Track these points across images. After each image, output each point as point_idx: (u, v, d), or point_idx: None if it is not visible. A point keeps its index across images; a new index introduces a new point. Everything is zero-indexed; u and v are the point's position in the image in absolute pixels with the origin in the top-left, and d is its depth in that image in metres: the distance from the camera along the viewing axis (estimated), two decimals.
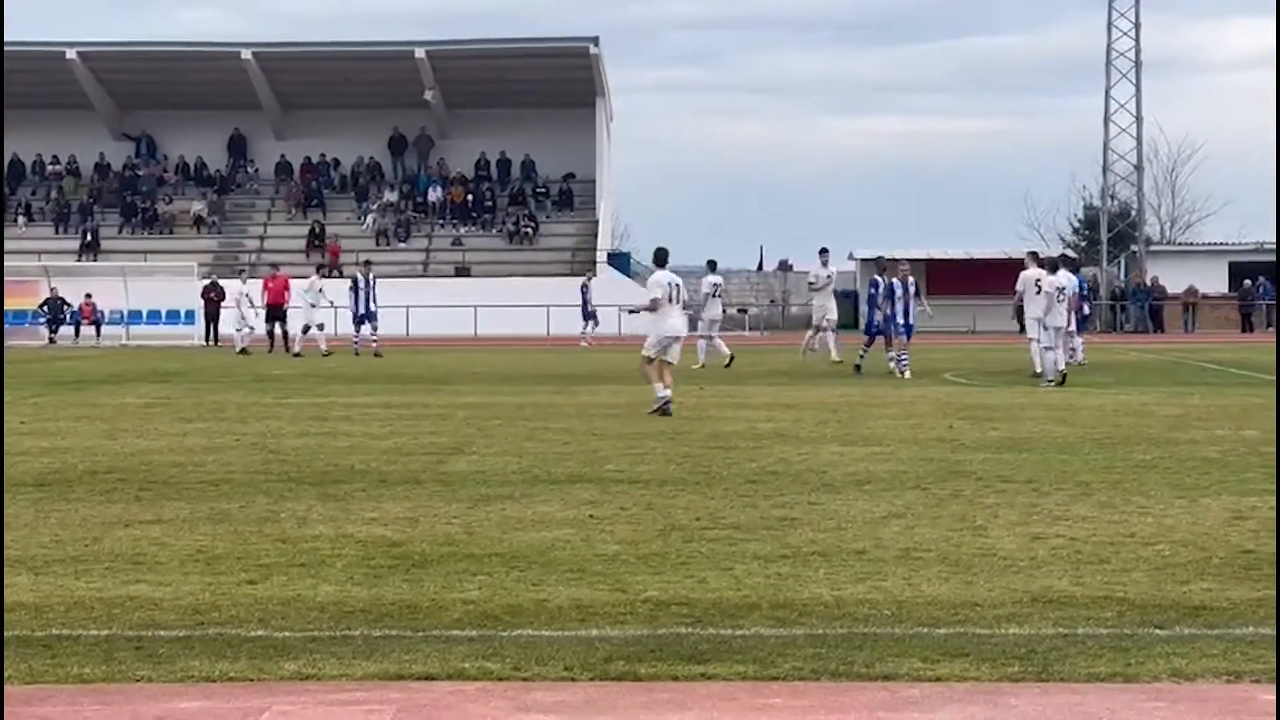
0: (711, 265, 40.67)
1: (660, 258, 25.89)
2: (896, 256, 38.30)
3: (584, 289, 58.90)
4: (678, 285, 24.64)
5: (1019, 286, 33.23)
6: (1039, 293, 32.09)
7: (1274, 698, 7.74)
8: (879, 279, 35.47)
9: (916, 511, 13.56)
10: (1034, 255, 34.91)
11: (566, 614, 9.59)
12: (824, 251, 41.24)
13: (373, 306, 46.04)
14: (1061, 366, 30.96)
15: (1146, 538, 12.20)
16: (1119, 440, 19.59)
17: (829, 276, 40.19)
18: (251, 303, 51.31)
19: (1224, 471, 16.33)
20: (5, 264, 61.47)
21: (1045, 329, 31.35)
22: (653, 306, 24.46)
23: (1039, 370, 31.73)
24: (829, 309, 39.86)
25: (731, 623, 9.32)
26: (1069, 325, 32.64)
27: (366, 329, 45.90)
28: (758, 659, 8.46)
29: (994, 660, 8.42)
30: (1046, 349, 31.10)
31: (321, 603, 9.93)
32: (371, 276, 47.13)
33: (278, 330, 49.44)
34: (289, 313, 49.27)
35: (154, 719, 7.51)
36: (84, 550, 11.82)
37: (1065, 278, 32.49)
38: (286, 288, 50.12)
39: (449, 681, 8.11)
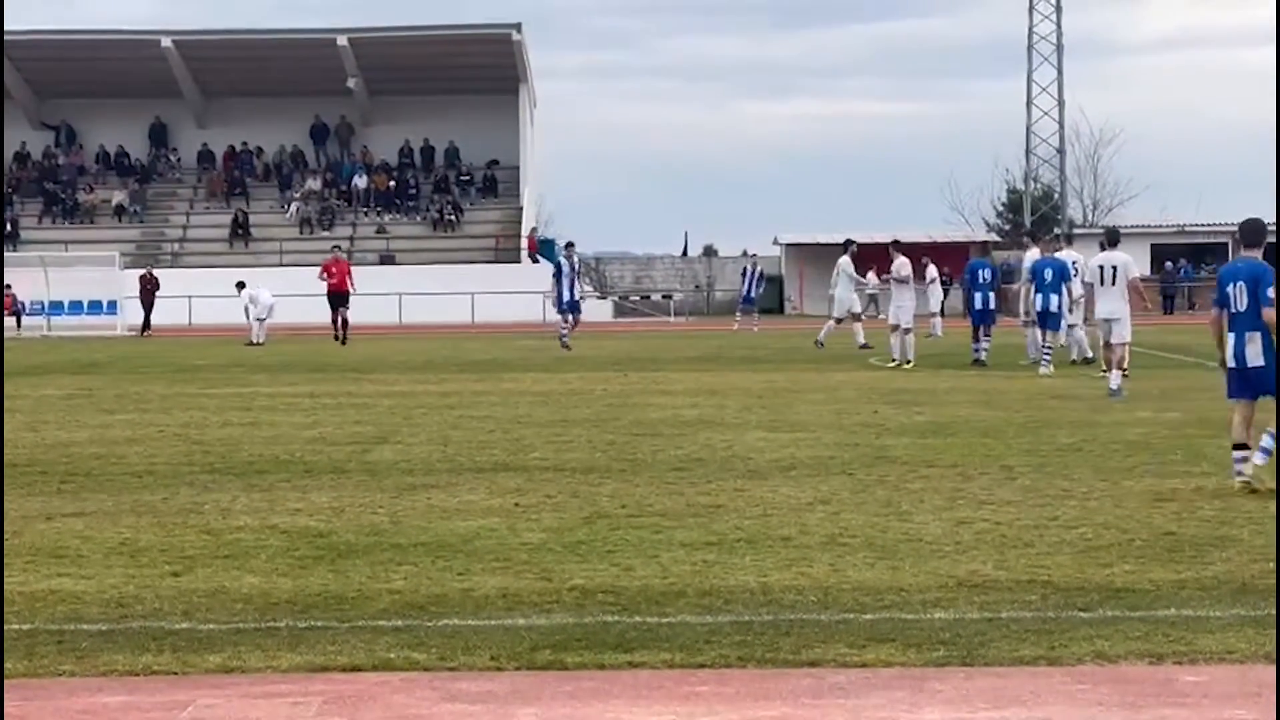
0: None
1: (1112, 238, 25.14)
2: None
3: (750, 271, 59.69)
4: (1115, 268, 23.97)
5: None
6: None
7: (1196, 679, 7.81)
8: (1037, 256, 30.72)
9: (842, 497, 13.60)
10: (1031, 235, 33.40)
11: (492, 603, 9.57)
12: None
13: (577, 294, 41.95)
14: (1087, 352, 29.26)
15: (1070, 521, 12.27)
16: (1043, 423, 19.70)
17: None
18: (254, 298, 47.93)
19: (1146, 454, 16.44)
20: None
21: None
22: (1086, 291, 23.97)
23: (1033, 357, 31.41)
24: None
25: (658, 611, 9.32)
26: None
27: (570, 318, 41.19)
28: (684, 647, 8.46)
29: (919, 645, 8.45)
30: (1072, 327, 29.70)
31: (246, 594, 9.88)
32: (576, 260, 43.61)
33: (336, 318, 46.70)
34: (350, 299, 46.81)
35: (77, 714, 7.45)
36: (4, 544, 11.70)
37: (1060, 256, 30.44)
38: (349, 273, 47.50)
39: (374, 672, 8.08)
